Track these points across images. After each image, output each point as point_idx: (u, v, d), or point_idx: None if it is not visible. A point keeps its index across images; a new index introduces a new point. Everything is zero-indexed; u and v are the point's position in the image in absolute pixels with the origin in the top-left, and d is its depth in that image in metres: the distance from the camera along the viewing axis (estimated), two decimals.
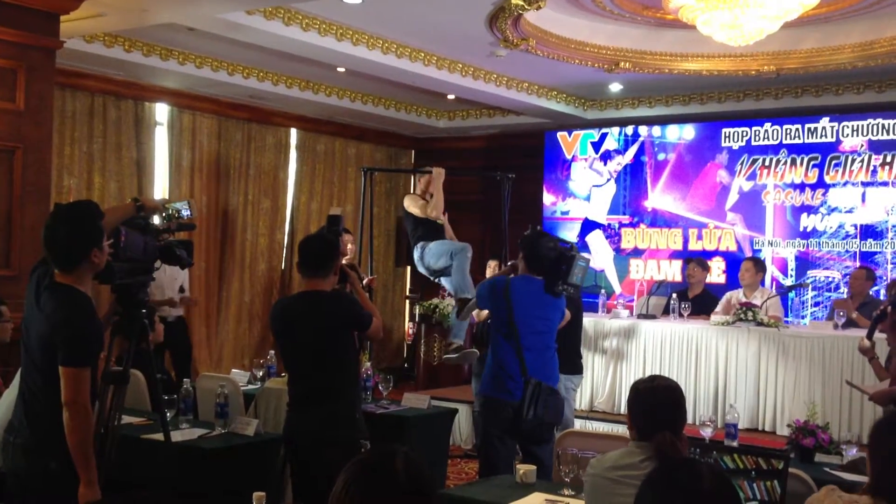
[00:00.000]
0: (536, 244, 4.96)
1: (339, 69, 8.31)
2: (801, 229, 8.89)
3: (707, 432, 4.61)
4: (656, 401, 2.98)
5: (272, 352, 6.43)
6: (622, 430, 4.21)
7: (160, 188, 9.03)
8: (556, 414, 4.88)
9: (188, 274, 7.71)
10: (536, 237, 5.04)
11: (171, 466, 4.12)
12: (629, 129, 9.90)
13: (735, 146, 9.28)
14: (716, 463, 3.33)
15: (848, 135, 8.70)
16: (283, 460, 4.34)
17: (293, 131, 10.34)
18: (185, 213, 3.95)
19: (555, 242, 5.02)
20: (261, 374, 6.10)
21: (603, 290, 8.74)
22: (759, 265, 7.86)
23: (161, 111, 9.02)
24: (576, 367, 6.27)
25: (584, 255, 5.14)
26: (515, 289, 4.90)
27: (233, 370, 7.05)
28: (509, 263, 5.21)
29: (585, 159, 10.14)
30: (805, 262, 8.86)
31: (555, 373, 5.03)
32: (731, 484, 1.98)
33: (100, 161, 8.43)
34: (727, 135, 9.32)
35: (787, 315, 8.23)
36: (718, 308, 7.59)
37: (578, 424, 6.94)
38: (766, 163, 9.09)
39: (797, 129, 8.95)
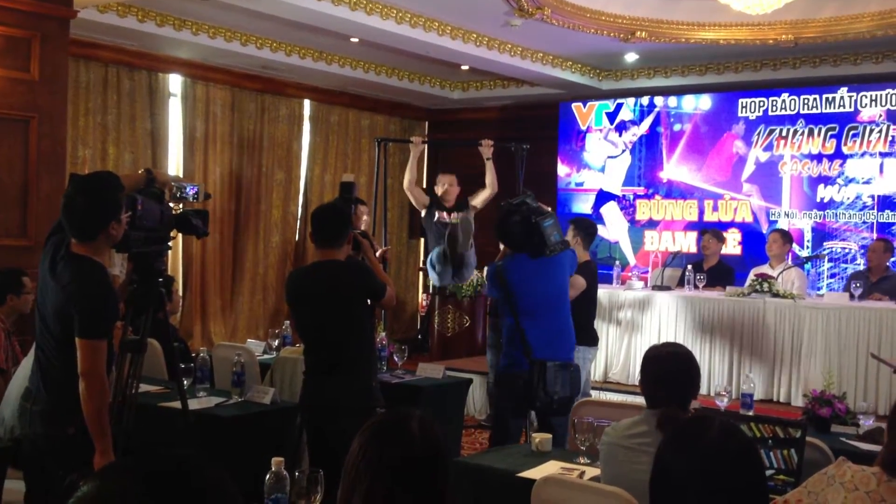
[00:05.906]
0: (504, 225, 4.95)
1: (352, 39, 8.26)
2: (818, 200, 8.82)
3: (722, 403, 4.60)
4: (662, 368, 2.97)
5: (287, 322, 6.45)
6: (637, 399, 4.21)
7: (174, 159, 9.04)
8: (570, 388, 4.86)
9: None
10: (503, 218, 5.01)
11: (189, 434, 4.14)
12: (645, 100, 9.82)
13: (752, 116, 9.19)
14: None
15: (866, 105, 8.60)
16: (300, 428, 4.36)
17: (307, 102, 10.30)
18: (191, 191, 3.93)
19: (520, 215, 4.88)
20: (276, 343, 6.13)
21: (617, 262, 8.72)
22: (787, 237, 7.79)
23: (174, 82, 9.00)
24: (590, 339, 6.27)
25: (545, 211, 5.01)
26: (509, 269, 4.92)
27: (248, 340, 7.08)
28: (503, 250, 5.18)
29: (600, 130, 10.07)
30: (822, 234, 8.80)
31: (566, 344, 5.00)
32: (740, 430, 1.98)
33: (114, 132, 8.44)
34: (744, 105, 9.23)
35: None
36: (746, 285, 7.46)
37: (593, 395, 6.94)
38: (783, 133, 9.01)
39: (815, 99, 8.85)
